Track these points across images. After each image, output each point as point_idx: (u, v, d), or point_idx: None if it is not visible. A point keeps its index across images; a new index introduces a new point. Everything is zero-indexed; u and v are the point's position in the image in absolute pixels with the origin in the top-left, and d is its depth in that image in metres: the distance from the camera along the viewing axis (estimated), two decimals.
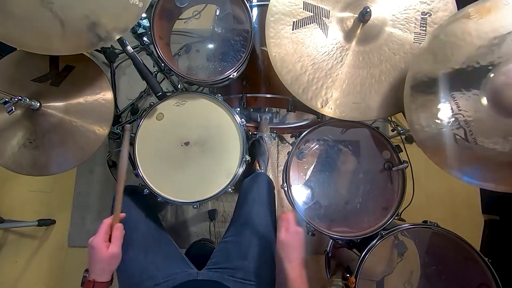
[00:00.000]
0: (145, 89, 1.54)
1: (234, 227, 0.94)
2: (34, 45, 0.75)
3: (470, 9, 0.67)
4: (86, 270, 0.66)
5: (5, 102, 0.75)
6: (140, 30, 0.94)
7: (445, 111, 0.69)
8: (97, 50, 1.38)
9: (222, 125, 0.94)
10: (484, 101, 0.66)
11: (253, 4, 0.97)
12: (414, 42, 0.80)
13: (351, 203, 1.00)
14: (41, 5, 0.73)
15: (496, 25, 0.65)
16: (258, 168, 1.39)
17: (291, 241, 0.71)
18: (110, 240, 0.67)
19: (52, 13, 0.73)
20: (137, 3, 0.76)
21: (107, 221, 0.69)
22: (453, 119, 0.68)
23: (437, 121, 0.70)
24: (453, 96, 0.68)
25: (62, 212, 1.49)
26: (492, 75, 0.66)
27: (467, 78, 0.67)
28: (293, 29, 0.82)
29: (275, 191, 0.86)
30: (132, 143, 0.92)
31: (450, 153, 0.70)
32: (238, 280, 0.82)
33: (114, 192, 0.96)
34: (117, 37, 0.77)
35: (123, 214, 0.73)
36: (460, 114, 0.68)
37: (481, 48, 0.66)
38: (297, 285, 0.68)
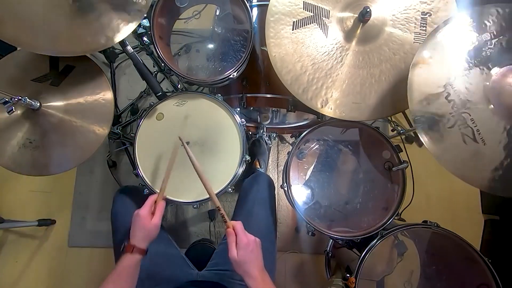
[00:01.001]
0: (145, 89, 1.54)
1: None
2: (35, 45, 0.75)
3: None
4: (127, 239, 0.73)
5: (5, 102, 0.75)
6: (140, 30, 0.94)
7: (450, 114, 0.69)
8: None
9: (222, 125, 0.94)
10: (489, 103, 0.67)
11: (253, 4, 0.97)
12: (414, 42, 0.80)
13: (351, 203, 1.00)
14: (42, 4, 0.73)
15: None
16: (258, 166, 1.39)
17: (245, 256, 0.66)
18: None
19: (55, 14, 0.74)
20: (140, 0, 0.76)
21: (153, 197, 0.78)
22: (461, 118, 0.68)
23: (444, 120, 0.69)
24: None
25: (62, 212, 1.49)
26: (492, 78, 0.66)
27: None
28: (293, 29, 0.82)
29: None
30: (132, 143, 0.92)
31: (459, 154, 0.69)
32: (238, 282, 0.82)
33: (115, 192, 0.97)
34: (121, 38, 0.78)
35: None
36: (466, 113, 0.68)
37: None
38: None
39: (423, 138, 0.69)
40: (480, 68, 0.68)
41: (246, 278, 0.66)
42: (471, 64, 0.68)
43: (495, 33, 0.67)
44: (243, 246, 0.67)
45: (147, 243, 0.74)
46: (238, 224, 0.71)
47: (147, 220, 0.73)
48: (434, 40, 0.70)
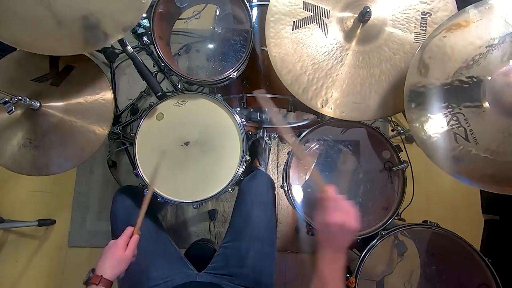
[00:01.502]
0: (145, 89, 1.54)
1: (233, 231, 0.92)
2: (35, 45, 0.75)
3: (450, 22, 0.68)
4: (93, 270, 0.69)
5: (5, 102, 0.75)
6: (140, 30, 0.94)
7: (444, 114, 0.69)
8: (97, 50, 1.38)
9: (222, 125, 0.94)
10: (486, 104, 0.67)
11: (253, 4, 0.97)
12: (414, 42, 0.80)
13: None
14: (41, 4, 0.73)
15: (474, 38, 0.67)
16: (258, 165, 1.38)
17: (344, 224, 0.57)
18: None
19: (52, 13, 0.73)
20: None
21: (131, 228, 0.75)
22: (454, 118, 0.68)
23: (436, 122, 0.70)
24: (452, 104, 0.68)
25: (62, 212, 1.49)
26: (489, 77, 0.66)
27: (460, 91, 0.68)
28: (293, 29, 0.82)
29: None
30: (132, 143, 0.92)
31: (451, 153, 0.69)
32: (236, 286, 0.82)
33: (115, 192, 0.97)
34: (120, 36, 0.78)
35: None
36: (460, 113, 0.68)
37: (466, 62, 0.67)
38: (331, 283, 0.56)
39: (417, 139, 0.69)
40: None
41: (327, 249, 0.58)
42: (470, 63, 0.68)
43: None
44: (344, 210, 0.59)
45: (114, 275, 0.69)
46: (333, 188, 0.62)
47: (120, 251, 0.70)
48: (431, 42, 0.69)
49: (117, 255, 0.70)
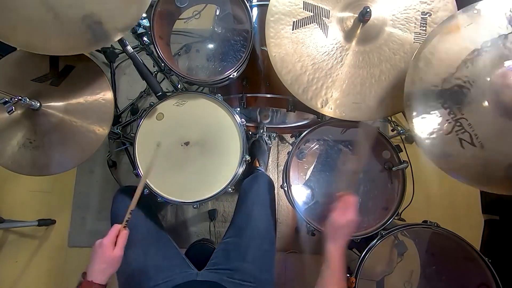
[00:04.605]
0: (145, 89, 1.54)
1: (234, 228, 0.93)
2: (35, 45, 0.75)
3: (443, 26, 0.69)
4: (84, 274, 0.67)
5: (5, 102, 0.75)
6: (140, 30, 0.94)
7: (446, 118, 0.69)
8: (97, 50, 1.38)
9: (222, 125, 0.94)
10: (486, 104, 0.66)
11: (253, 4, 0.97)
12: (414, 42, 0.80)
13: None
14: (41, 4, 0.73)
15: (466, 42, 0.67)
16: (258, 165, 1.39)
17: (343, 226, 0.72)
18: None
19: (52, 12, 0.73)
20: None
21: (118, 226, 0.71)
22: (458, 124, 0.68)
23: (439, 127, 0.69)
24: (453, 106, 0.68)
25: (62, 212, 1.49)
26: (488, 78, 0.66)
27: (459, 94, 0.68)
28: (293, 29, 0.82)
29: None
30: (132, 143, 0.92)
31: (457, 159, 0.68)
32: (237, 281, 0.82)
33: (115, 192, 0.96)
34: (120, 35, 0.78)
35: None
36: (463, 118, 0.68)
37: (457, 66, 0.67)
38: (335, 263, 0.70)
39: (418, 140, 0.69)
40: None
41: (330, 240, 0.72)
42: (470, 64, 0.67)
43: None
44: (348, 217, 0.72)
45: (107, 277, 0.67)
46: (354, 199, 0.75)
47: (108, 251, 0.67)
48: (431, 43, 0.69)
49: (106, 257, 0.66)
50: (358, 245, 0.97)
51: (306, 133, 0.93)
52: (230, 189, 0.90)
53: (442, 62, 0.69)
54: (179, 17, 1.11)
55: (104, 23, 0.76)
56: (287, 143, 1.55)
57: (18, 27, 0.74)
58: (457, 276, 0.92)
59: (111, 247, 0.68)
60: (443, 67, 0.68)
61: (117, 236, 0.70)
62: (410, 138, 1.43)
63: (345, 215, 0.72)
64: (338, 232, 0.72)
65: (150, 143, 0.93)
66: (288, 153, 0.94)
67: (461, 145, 0.68)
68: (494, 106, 0.66)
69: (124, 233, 0.71)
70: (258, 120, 1.33)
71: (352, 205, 0.74)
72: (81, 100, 0.89)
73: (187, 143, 0.92)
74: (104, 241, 0.68)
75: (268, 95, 1.02)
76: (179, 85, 1.35)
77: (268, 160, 1.51)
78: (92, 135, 0.88)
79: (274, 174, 1.53)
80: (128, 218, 0.72)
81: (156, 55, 0.91)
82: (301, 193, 0.99)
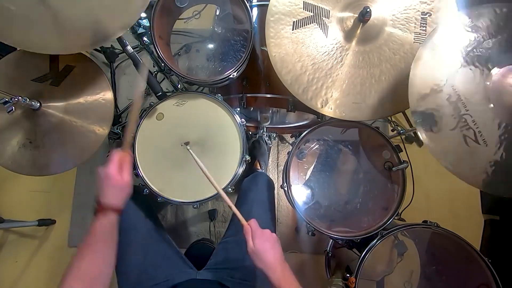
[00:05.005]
0: (145, 89, 1.54)
1: (234, 227, 0.94)
2: (35, 44, 0.75)
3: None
4: (96, 203, 0.64)
5: (5, 102, 0.75)
6: (140, 30, 0.94)
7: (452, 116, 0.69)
8: (97, 50, 1.38)
9: (222, 125, 0.94)
10: (490, 103, 0.67)
11: (253, 4, 0.97)
12: (414, 42, 0.80)
13: (351, 203, 1.00)
14: (41, 4, 0.73)
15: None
16: (258, 168, 1.39)
17: (260, 247, 0.66)
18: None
19: (52, 12, 0.73)
20: None
21: (118, 152, 0.67)
22: (463, 120, 0.68)
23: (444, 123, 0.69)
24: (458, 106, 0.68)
25: (62, 212, 1.49)
26: (492, 78, 0.66)
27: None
28: (293, 29, 0.82)
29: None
30: (132, 144, 0.92)
31: (461, 156, 0.68)
32: (237, 280, 0.82)
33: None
34: (120, 33, 0.78)
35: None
36: (468, 114, 0.68)
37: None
38: (285, 285, 0.64)
39: (422, 136, 0.69)
40: (480, 68, 0.68)
41: (265, 270, 0.64)
42: (470, 64, 0.68)
43: (493, 33, 0.67)
44: (258, 235, 0.67)
45: (122, 201, 0.65)
46: (253, 221, 0.71)
47: (118, 178, 0.64)
48: (432, 40, 0.70)
49: (118, 184, 0.64)
50: (358, 245, 0.97)
51: (306, 133, 0.93)
52: (230, 189, 0.90)
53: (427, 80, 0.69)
54: (179, 17, 1.11)
55: (104, 21, 0.76)
56: (287, 143, 1.55)
57: (15, 25, 0.73)
58: (457, 276, 0.92)
59: (118, 174, 0.64)
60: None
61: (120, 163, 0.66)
62: (410, 138, 1.43)
63: (254, 238, 0.67)
64: (263, 256, 0.65)
65: (150, 143, 0.93)
66: (288, 153, 0.94)
67: (466, 142, 0.68)
68: (498, 106, 0.66)
69: (128, 158, 0.67)
70: (258, 119, 1.33)
71: (253, 226, 0.69)
72: (81, 100, 0.89)
73: (187, 143, 0.92)
74: (109, 171, 0.64)
75: (268, 95, 1.02)
76: (179, 85, 1.35)
77: (268, 160, 1.51)
78: (92, 135, 0.88)
79: (274, 174, 1.53)
80: (129, 141, 0.69)
81: (156, 55, 0.91)
82: (301, 193, 1.00)
